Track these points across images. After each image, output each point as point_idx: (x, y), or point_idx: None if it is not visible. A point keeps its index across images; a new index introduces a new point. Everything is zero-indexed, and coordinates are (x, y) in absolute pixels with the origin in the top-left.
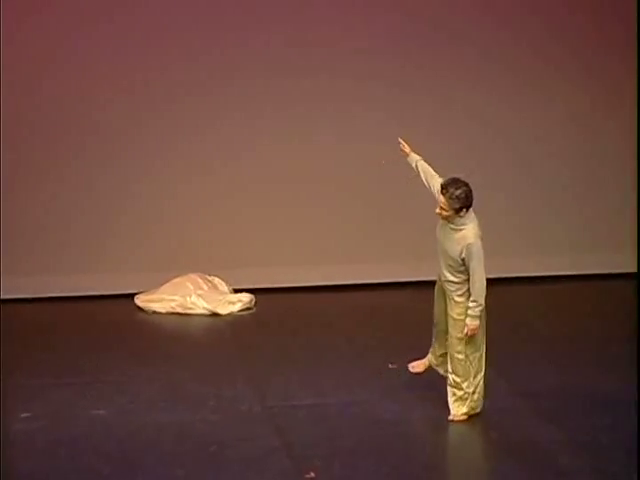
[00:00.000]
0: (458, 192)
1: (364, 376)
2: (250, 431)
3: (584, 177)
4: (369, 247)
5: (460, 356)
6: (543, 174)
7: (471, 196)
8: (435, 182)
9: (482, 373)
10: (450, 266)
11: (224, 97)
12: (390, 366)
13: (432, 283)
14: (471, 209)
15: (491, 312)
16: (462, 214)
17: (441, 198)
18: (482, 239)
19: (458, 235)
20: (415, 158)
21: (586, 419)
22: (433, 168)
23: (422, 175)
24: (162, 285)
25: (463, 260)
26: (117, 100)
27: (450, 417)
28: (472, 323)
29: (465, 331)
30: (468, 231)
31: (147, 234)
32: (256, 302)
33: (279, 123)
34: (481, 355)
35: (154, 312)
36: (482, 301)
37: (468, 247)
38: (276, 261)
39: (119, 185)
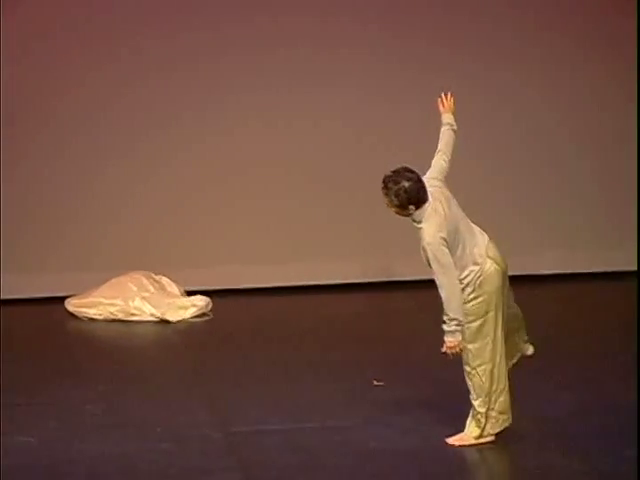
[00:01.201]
0: (396, 188)
1: (344, 396)
2: (208, 463)
3: (583, 173)
4: (343, 242)
5: (467, 368)
6: (541, 169)
7: (417, 190)
8: (436, 160)
9: (501, 389)
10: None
11: (181, 94)
12: (375, 383)
13: (420, 283)
14: (429, 203)
15: None
16: (411, 211)
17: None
18: (445, 240)
19: (419, 234)
20: (445, 121)
21: (608, 445)
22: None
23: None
24: (99, 286)
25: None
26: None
27: (450, 440)
28: (447, 340)
29: (443, 349)
30: (424, 230)
31: (80, 227)
32: (212, 306)
33: (234, 117)
34: (493, 368)
35: (89, 319)
36: (454, 314)
37: (424, 248)
38: (235, 259)
39: (39, 172)
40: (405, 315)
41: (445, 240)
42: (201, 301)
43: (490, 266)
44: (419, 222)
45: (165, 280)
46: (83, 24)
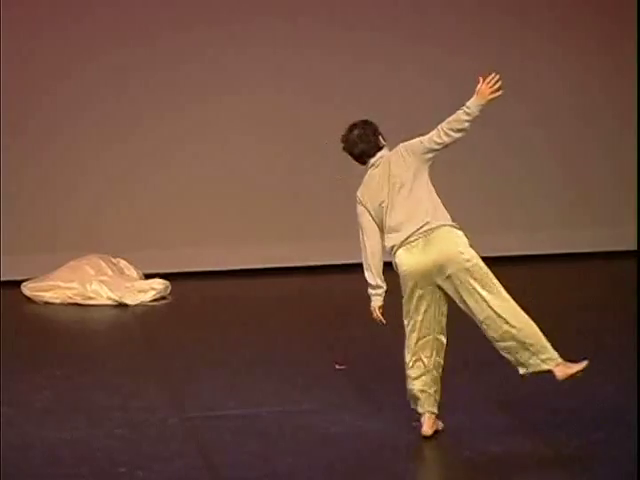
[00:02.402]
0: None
1: (305, 380)
2: (166, 448)
3: (578, 147)
4: (300, 226)
5: None
6: (532, 144)
7: (348, 143)
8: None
9: (415, 376)
10: None
11: (142, 80)
12: (337, 367)
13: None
14: (370, 160)
15: None
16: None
17: None
18: (359, 202)
19: None
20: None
21: (576, 431)
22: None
23: None
24: (56, 270)
25: None
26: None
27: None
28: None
29: None
30: None
31: (36, 209)
32: (171, 290)
33: (195, 101)
34: (412, 355)
35: (46, 303)
36: (368, 279)
37: None
38: (195, 241)
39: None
40: (367, 297)
41: (360, 200)
42: (160, 284)
43: (399, 259)
44: None
45: (123, 263)
46: (71, 18)
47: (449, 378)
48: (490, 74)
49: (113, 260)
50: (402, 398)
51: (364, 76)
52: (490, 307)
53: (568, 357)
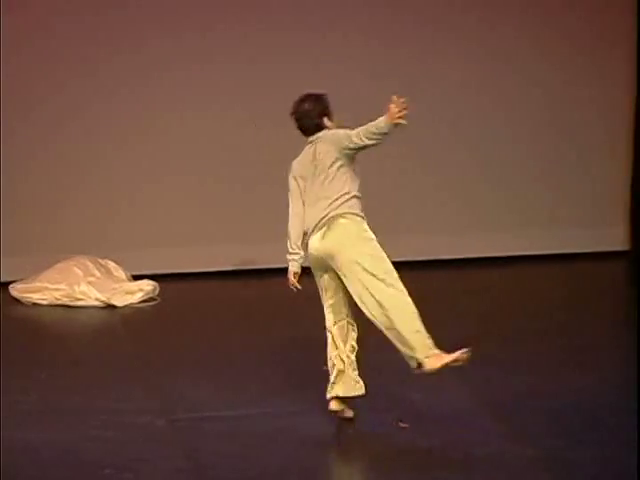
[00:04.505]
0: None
1: (290, 382)
2: (151, 450)
3: (570, 145)
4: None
5: None
6: (522, 142)
7: (295, 114)
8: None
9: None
10: None
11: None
12: (324, 368)
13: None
14: (309, 138)
15: (456, 299)
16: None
17: None
18: (292, 171)
19: None
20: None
21: (565, 432)
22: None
23: None
24: (44, 271)
25: None
26: None
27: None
28: None
29: None
30: None
31: (24, 211)
32: (160, 291)
33: (179, 101)
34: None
35: (34, 304)
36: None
37: None
38: (183, 242)
39: None
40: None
41: (292, 170)
42: (148, 285)
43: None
44: None
45: (111, 264)
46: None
47: (434, 380)
48: (400, 96)
49: (101, 261)
50: (388, 402)
51: (357, 82)
52: (372, 295)
53: (558, 357)
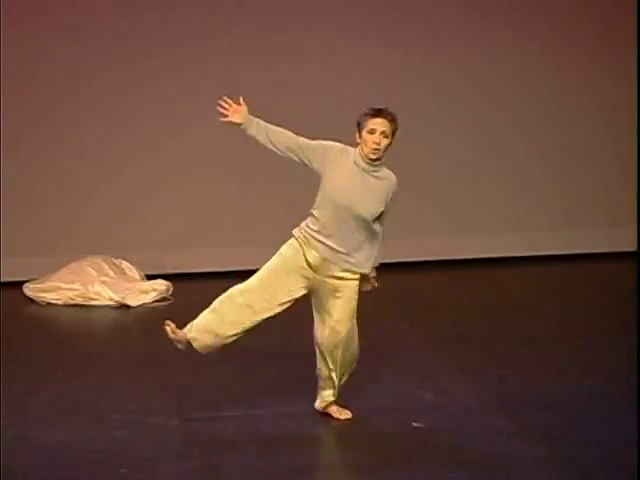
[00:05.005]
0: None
1: (306, 382)
2: (166, 450)
3: (576, 144)
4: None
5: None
6: (530, 143)
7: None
8: (309, 142)
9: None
10: (358, 229)
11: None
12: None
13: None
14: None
15: (462, 300)
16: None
17: (376, 127)
18: (332, 149)
19: (382, 175)
20: (255, 125)
21: (576, 433)
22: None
23: (279, 145)
24: (58, 271)
25: (381, 211)
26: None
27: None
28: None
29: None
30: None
31: (38, 210)
32: (173, 291)
33: (195, 103)
34: None
35: (48, 304)
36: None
37: (394, 186)
38: (197, 242)
39: (2, 161)
40: (372, 298)
41: (332, 153)
42: (162, 285)
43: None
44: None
45: (125, 264)
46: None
47: (446, 382)
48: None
49: (115, 261)
50: (399, 399)
51: (359, 84)
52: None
53: (569, 357)
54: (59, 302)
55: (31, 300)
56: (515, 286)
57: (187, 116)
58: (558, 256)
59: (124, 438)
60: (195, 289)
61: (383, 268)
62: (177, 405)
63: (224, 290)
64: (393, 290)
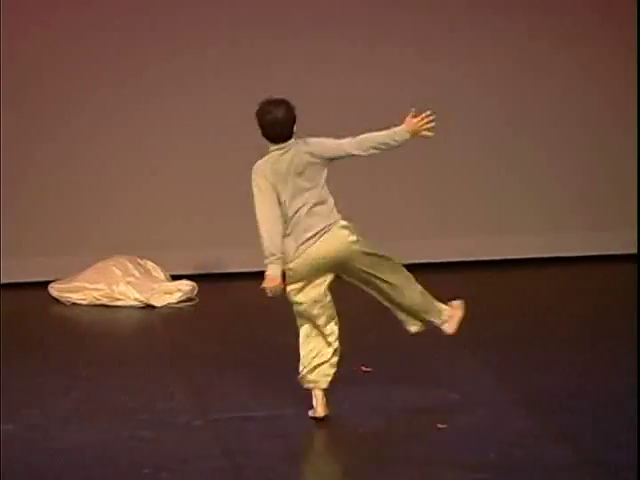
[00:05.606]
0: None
1: (333, 382)
2: (191, 450)
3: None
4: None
5: None
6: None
7: (267, 118)
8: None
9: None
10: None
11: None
12: (364, 369)
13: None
14: (280, 144)
15: (485, 302)
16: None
17: None
18: (263, 175)
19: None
20: (395, 130)
21: (602, 434)
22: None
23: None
24: (83, 271)
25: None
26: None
27: None
28: None
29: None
30: None
31: (64, 211)
32: (198, 291)
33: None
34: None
35: (73, 304)
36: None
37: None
38: (222, 242)
39: (24, 153)
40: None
41: (264, 175)
42: (187, 286)
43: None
44: None
45: (150, 264)
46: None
47: (472, 380)
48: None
49: (140, 261)
50: (425, 400)
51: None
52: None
53: (593, 358)
54: (84, 302)
55: (56, 300)
56: (539, 287)
57: (211, 116)
58: (580, 257)
59: (149, 438)
60: (220, 289)
61: (407, 269)
62: (202, 405)
63: (249, 290)
64: None
